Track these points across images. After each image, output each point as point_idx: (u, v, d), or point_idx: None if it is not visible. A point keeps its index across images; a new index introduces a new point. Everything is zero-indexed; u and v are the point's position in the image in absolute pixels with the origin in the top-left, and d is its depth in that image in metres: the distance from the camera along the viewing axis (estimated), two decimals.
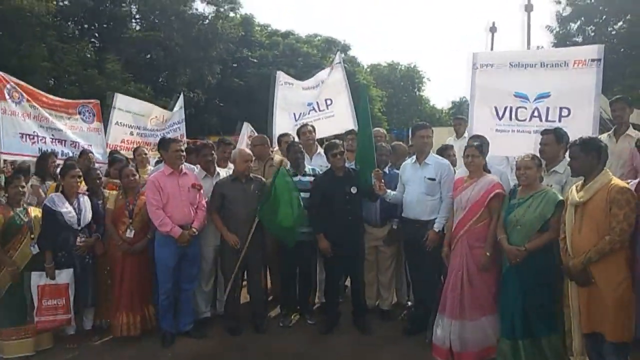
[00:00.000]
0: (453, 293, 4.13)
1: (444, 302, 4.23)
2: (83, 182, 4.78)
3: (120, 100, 8.17)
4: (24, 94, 6.15)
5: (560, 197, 3.72)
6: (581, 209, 3.42)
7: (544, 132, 4.37)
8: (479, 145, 4.33)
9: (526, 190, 3.88)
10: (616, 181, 3.41)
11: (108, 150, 7.12)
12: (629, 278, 3.31)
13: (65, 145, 6.43)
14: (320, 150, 5.79)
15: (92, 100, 7.26)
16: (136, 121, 8.01)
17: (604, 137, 4.62)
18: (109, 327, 4.83)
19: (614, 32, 20.23)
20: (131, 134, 7.96)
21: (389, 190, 4.73)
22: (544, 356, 3.76)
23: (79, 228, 4.52)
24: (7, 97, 5.98)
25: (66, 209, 4.46)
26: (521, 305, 3.78)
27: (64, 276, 4.43)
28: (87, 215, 4.60)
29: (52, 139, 6.35)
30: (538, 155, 4.08)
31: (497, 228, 4.01)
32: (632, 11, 18.49)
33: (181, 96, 8.97)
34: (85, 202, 4.65)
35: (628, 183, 3.50)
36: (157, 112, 8.50)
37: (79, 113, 6.80)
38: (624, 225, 3.22)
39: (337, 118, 6.77)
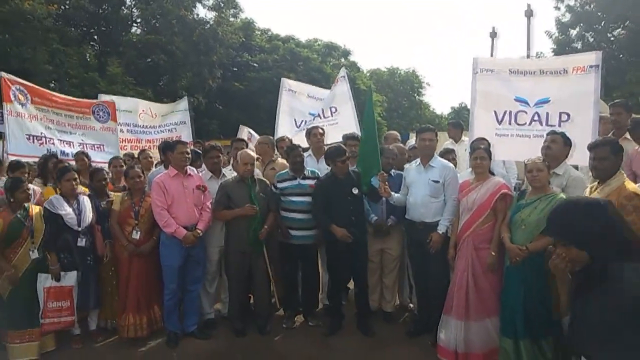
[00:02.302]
0: (459, 294, 4.17)
1: (449, 303, 4.27)
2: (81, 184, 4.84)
3: (104, 99, 7.93)
4: (30, 96, 6.18)
5: None
6: None
7: (551, 133, 4.40)
8: (487, 148, 4.40)
9: (536, 192, 3.90)
10: (628, 185, 3.37)
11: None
12: None
13: (73, 147, 6.44)
14: None
15: (107, 100, 7.27)
16: (125, 118, 7.94)
17: None
18: (115, 328, 4.87)
19: (613, 39, 20.36)
20: (121, 131, 7.75)
21: (393, 193, 4.78)
22: (545, 357, 3.78)
23: (80, 229, 4.55)
24: (12, 99, 6.02)
25: (65, 211, 4.49)
26: (522, 304, 3.80)
27: (69, 278, 4.48)
28: (88, 216, 4.64)
29: (60, 140, 6.37)
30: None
31: (502, 227, 4.06)
32: (632, 18, 18.64)
33: (185, 99, 8.99)
34: (86, 203, 4.69)
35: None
36: (143, 106, 8.49)
37: (93, 112, 6.82)
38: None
39: (341, 125, 6.85)
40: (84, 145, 6.55)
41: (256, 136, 8.99)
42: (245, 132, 9.14)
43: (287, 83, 8.00)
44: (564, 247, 1.89)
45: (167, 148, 5.17)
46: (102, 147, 6.72)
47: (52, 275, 4.40)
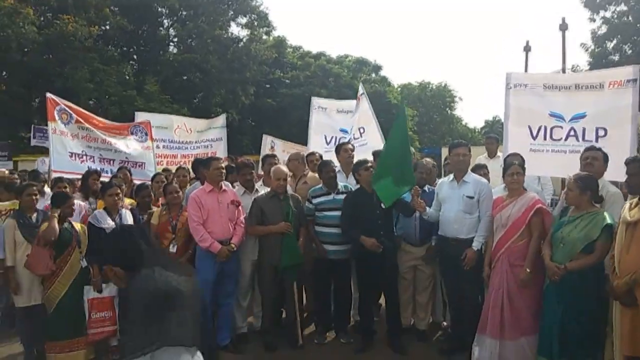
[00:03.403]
0: (494, 312, 4.12)
1: (484, 322, 4.21)
2: (126, 198, 5.01)
3: (140, 118, 8.23)
4: (74, 115, 6.46)
5: (609, 221, 3.63)
6: (632, 228, 3.36)
7: (590, 149, 4.34)
8: (522, 164, 4.37)
9: (578, 209, 3.84)
10: None
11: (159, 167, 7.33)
12: None
13: (113, 164, 6.66)
14: None
15: (143, 121, 7.53)
16: (159, 134, 8.09)
17: None
18: None
19: None
20: (157, 147, 7.91)
21: (427, 208, 4.76)
22: None
23: None
24: (57, 118, 6.31)
25: (108, 225, 4.67)
26: (559, 324, 3.72)
27: (110, 289, 4.64)
28: None
29: (101, 158, 6.61)
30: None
31: (538, 244, 4.00)
32: None
33: (223, 116, 9.14)
34: (127, 217, 4.85)
35: None
36: (178, 122, 8.66)
37: (132, 133, 7.08)
38: None
39: (370, 145, 6.88)
40: (127, 163, 6.75)
41: (278, 144, 9.11)
42: (269, 141, 9.25)
43: (317, 101, 8.13)
44: None
45: (202, 164, 5.32)
46: (143, 165, 6.95)
47: (93, 286, 4.57)
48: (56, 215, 4.46)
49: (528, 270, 4.00)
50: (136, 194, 5.33)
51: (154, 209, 5.24)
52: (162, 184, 5.81)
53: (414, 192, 4.68)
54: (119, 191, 4.90)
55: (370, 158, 5.68)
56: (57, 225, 4.40)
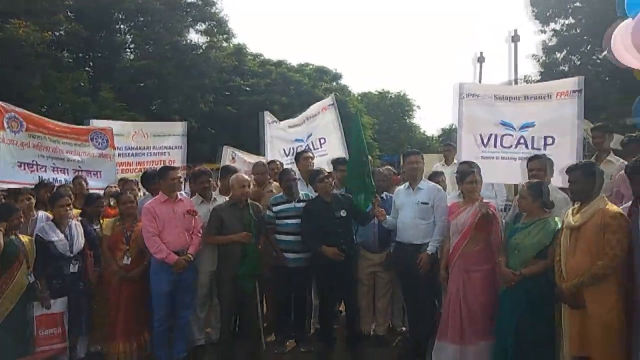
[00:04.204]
0: (453, 319, 4.18)
1: (443, 328, 4.27)
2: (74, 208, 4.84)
3: (96, 125, 7.77)
4: (25, 123, 6.15)
5: (559, 226, 3.76)
6: (576, 233, 3.49)
7: (532, 159, 4.53)
8: (479, 172, 4.48)
9: (530, 216, 3.96)
10: (610, 206, 3.47)
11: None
12: (621, 303, 3.35)
13: (67, 174, 6.37)
14: None
15: (105, 127, 7.24)
16: (118, 142, 7.72)
17: None
18: (104, 354, 4.81)
19: (599, 61, 20.83)
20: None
21: (387, 216, 4.83)
22: None
23: (72, 255, 4.54)
24: (5, 126, 6.00)
25: (57, 238, 4.49)
26: (514, 329, 3.80)
27: (59, 305, 4.46)
28: (80, 242, 4.63)
29: (54, 167, 6.32)
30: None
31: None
32: None
33: (184, 124, 8.88)
34: (77, 228, 4.69)
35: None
36: (135, 128, 8.36)
37: (91, 139, 6.81)
38: (616, 251, 3.28)
39: (330, 156, 6.89)
40: (80, 172, 6.49)
41: (240, 156, 8.99)
42: (229, 152, 9.09)
43: (268, 116, 8.10)
44: None
45: (159, 174, 5.15)
46: (98, 174, 6.71)
47: (41, 302, 4.37)
48: (2, 229, 4.24)
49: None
50: (87, 204, 5.14)
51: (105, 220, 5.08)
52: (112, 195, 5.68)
53: (374, 201, 4.74)
54: (69, 202, 4.73)
55: (330, 168, 5.72)
56: (1, 240, 4.18)
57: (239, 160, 8.42)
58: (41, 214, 4.91)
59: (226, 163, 8.46)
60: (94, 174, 6.65)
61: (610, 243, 3.31)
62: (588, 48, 20.97)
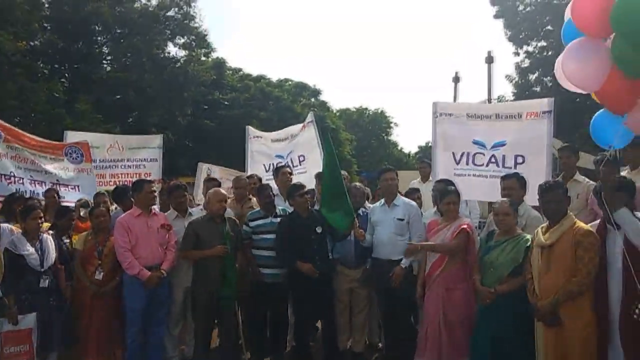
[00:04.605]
0: (432, 337, 4.20)
1: (422, 346, 4.29)
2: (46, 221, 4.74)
3: (71, 137, 7.82)
4: (3, 134, 6.02)
5: (529, 244, 3.83)
6: (547, 251, 3.57)
7: (506, 177, 4.64)
8: (457, 191, 4.53)
9: (503, 234, 4.03)
10: (580, 224, 3.57)
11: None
12: (595, 318, 3.43)
13: (44, 186, 6.23)
14: None
15: (80, 142, 7.12)
16: (93, 154, 7.58)
17: None
18: None
19: None
20: None
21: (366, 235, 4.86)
22: None
23: (43, 269, 4.43)
24: None
25: (27, 251, 4.38)
26: (491, 347, 3.83)
27: (28, 321, 4.32)
28: (51, 256, 4.53)
29: (31, 180, 6.17)
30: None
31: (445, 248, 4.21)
32: None
33: (160, 136, 8.80)
34: (49, 242, 4.58)
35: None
36: (110, 140, 8.30)
37: (66, 154, 6.69)
38: (589, 268, 3.38)
39: (310, 173, 6.92)
40: (58, 186, 6.37)
41: (216, 170, 8.96)
42: (204, 168, 9.05)
43: (252, 131, 8.14)
44: None
45: (134, 188, 5.10)
46: (77, 187, 6.58)
47: (8, 319, 4.24)
48: None
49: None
50: (58, 217, 5.04)
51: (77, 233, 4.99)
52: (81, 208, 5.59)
53: (354, 223, 4.78)
54: (41, 214, 4.63)
55: (310, 185, 5.72)
56: None
57: (215, 175, 8.38)
58: (4, 226, 4.74)
59: (200, 179, 8.45)
60: (72, 188, 6.54)
61: (583, 260, 3.40)
62: None
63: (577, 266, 3.42)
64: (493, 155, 5.28)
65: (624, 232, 3.36)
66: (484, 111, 5.47)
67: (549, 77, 21.80)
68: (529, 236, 3.93)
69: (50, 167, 6.45)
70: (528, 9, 21.02)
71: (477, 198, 5.35)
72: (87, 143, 7.15)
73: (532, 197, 4.58)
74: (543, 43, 21.65)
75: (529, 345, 3.73)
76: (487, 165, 5.30)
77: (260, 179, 6.28)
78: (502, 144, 5.25)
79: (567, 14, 3.17)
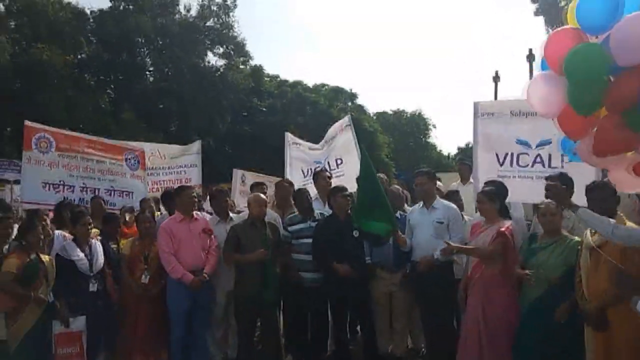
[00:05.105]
0: (472, 340, 4.10)
1: (463, 349, 4.19)
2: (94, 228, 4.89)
3: (134, 146, 7.82)
4: (55, 143, 6.19)
5: (579, 245, 3.70)
6: (596, 253, 3.44)
7: (549, 178, 4.45)
8: (488, 192, 4.38)
9: (549, 235, 3.91)
10: (630, 224, 3.41)
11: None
12: None
13: (98, 193, 6.37)
14: None
15: (137, 148, 7.29)
16: None
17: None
18: None
19: None
20: None
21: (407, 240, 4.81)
22: None
23: (92, 274, 4.60)
24: (33, 146, 6.05)
25: (78, 257, 4.56)
26: (536, 353, 3.72)
27: (78, 323, 4.48)
28: (100, 260, 4.69)
29: (83, 187, 6.34)
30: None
31: (487, 255, 4.08)
32: None
33: (198, 142, 8.98)
34: (97, 247, 4.75)
35: None
36: (151, 149, 8.47)
37: (125, 160, 6.83)
38: None
39: (347, 176, 6.90)
40: (112, 192, 6.55)
41: (249, 177, 9.07)
42: (239, 174, 9.19)
43: (290, 137, 8.18)
44: None
45: (175, 193, 5.22)
46: (130, 194, 6.73)
47: (60, 321, 4.41)
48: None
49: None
50: (105, 224, 5.22)
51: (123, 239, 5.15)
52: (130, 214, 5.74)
53: (396, 230, 4.73)
54: (90, 220, 4.81)
55: (350, 188, 5.69)
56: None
57: (248, 181, 8.47)
58: (57, 233, 4.96)
59: (237, 186, 8.56)
60: (126, 194, 6.72)
61: (634, 261, 3.24)
62: None
63: (627, 268, 3.26)
64: (538, 155, 5.08)
65: None
66: (527, 108, 5.25)
67: None
68: (577, 238, 3.79)
69: (106, 172, 6.57)
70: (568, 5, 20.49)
71: (524, 200, 5.15)
72: (144, 150, 7.32)
73: (581, 197, 4.40)
74: None
75: (578, 350, 3.59)
76: (532, 166, 5.11)
77: (291, 183, 6.24)
78: (548, 143, 5.04)
79: (541, 50, 3.36)
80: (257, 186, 6.13)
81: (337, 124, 8.00)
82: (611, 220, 3.42)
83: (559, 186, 3.52)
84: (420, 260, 4.59)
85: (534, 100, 3.51)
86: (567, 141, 3.85)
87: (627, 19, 2.76)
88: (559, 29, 3.29)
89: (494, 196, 4.33)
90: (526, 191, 4.90)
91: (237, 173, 9.11)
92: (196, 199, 5.02)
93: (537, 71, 3.59)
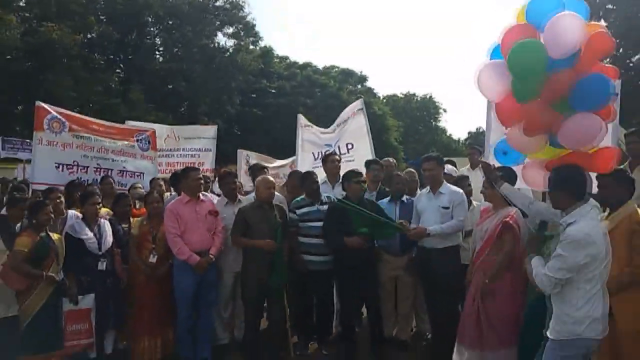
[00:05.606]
0: (470, 323, 4.11)
1: (462, 332, 4.21)
2: (103, 207, 4.93)
3: (145, 128, 7.77)
4: (68, 124, 6.16)
5: None
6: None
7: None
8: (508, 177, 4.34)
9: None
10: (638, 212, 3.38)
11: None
12: None
13: (110, 174, 6.36)
14: None
15: (148, 129, 7.28)
16: None
17: None
18: (129, 350, 4.91)
19: (632, 65, 20.26)
20: None
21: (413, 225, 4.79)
22: None
23: (101, 253, 4.65)
24: (45, 127, 6.01)
25: (87, 236, 4.61)
26: (542, 340, 3.63)
27: (87, 301, 4.56)
28: (108, 240, 4.74)
29: (97, 168, 6.34)
30: None
31: (505, 260, 3.98)
32: None
33: (214, 128, 8.89)
34: (106, 227, 4.79)
35: None
36: (167, 131, 8.45)
37: (137, 141, 6.85)
38: None
39: (357, 162, 6.86)
40: (124, 173, 6.56)
41: (253, 156, 9.03)
42: (244, 155, 9.14)
43: (303, 119, 8.10)
44: None
45: (181, 175, 5.23)
46: (142, 175, 6.74)
47: (69, 298, 4.49)
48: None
49: (487, 281, 3.99)
50: (116, 204, 5.25)
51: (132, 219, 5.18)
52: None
53: (402, 227, 4.71)
54: (100, 200, 4.84)
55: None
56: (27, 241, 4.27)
57: (253, 162, 8.40)
58: (71, 212, 5.00)
59: (242, 166, 8.53)
60: (138, 175, 6.73)
61: (637, 249, 3.22)
62: (620, 51, 20.43)
63: (631, 256, 3.24)
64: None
65: None
66: None
67: (608, 59, 20.69)
68: None
69: (118, 153, 6.59)
70: None
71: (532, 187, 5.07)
72: (155, 131, 7.30)
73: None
74: (602, 23, 20.54)
75: None
76: None
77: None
78: None
79: (498, 39, 3.57)
80: (259, 170, 6.08)
81: (349, 107, 7.90)
82: (530, 196, 3.87)
83: (485, 163, 3.95)
84: (415, 231, 4.62)
85: (482, 85, 3.69)
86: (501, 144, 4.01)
87: (557, 16, 3.14)
88: (516, 23, 3.55)
89: (499, 182, 4.27)
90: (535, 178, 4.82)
91: (242, 153, 9.07)
92: (202, 181, 5.00)
93: (486, 58, 3.77)
